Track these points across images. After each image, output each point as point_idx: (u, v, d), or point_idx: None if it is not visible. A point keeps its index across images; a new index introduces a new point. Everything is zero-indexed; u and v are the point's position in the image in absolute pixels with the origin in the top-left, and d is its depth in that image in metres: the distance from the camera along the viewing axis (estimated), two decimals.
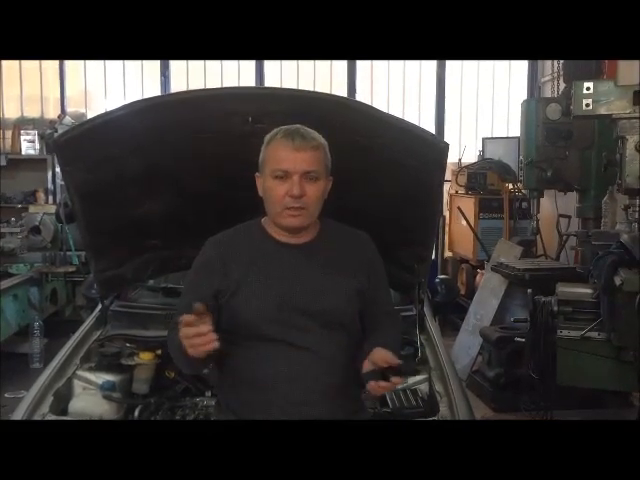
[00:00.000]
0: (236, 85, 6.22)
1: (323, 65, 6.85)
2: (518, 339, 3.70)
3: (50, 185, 6.39)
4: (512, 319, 4.18)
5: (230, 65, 6.74)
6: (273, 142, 1.67)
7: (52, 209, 5.37)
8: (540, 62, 6.83)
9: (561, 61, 5.08)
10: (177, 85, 6.85)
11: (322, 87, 6.76)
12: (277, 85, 6.75)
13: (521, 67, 7.03)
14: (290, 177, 1.63)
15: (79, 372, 2.23)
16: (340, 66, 6.87)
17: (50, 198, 6.34)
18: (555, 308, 2.99)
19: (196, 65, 6.75)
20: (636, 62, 2.69)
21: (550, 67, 5.60)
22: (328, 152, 1.70)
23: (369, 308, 1.79)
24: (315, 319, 1.68)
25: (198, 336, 1.44)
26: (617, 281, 2.71)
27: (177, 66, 6.84)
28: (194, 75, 6.83)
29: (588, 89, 2.93)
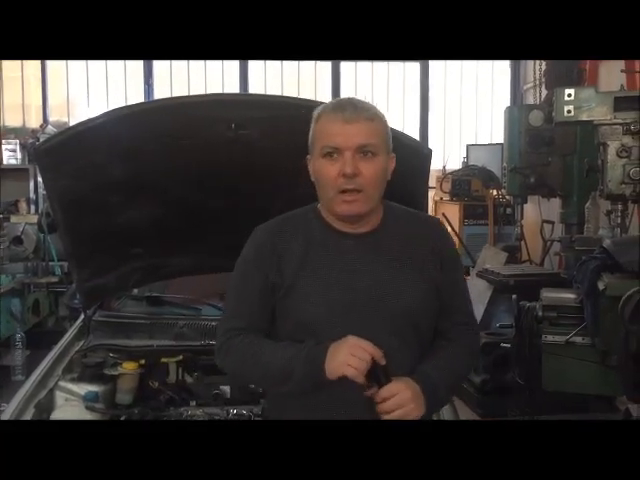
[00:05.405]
0: (219, 92, 6.22)
1: (307, 66, 6.86)
2: (504, 345, 3.71)
3: (32, 195, 6.32)
4: (497, 325, 4.20)
5: (214, 66, 6.73)
6: (322, 116, 1.48)
7: (34, 219, 5.30)
8: (522, 69, 6.90)
9: (543, 68, 5.15)
10: (160, 90, 6.82)
11: (306, 88, 6.79)
12: (261, 87, 6.80)
13: (504, 74, 7.10)
14: (342, 154, 1.42)
15: (61, 383, 2.20)
16: (324, 68, 6.89)
17: (32, 208, 6.27)
18: (540, 313, 3.00)
19: (179, 66, 6.71)
20: None
21: (532, 74, 5.66)
22: (387, 125, 1.50)
23: (441, 311, 1.55)
24: (384, 322, 1.46)
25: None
26: (600, 286, 2.73)
27: (161, 70, 6.81)
28: (177, 79, 6.80)
29: (569, 96, 2.97)
